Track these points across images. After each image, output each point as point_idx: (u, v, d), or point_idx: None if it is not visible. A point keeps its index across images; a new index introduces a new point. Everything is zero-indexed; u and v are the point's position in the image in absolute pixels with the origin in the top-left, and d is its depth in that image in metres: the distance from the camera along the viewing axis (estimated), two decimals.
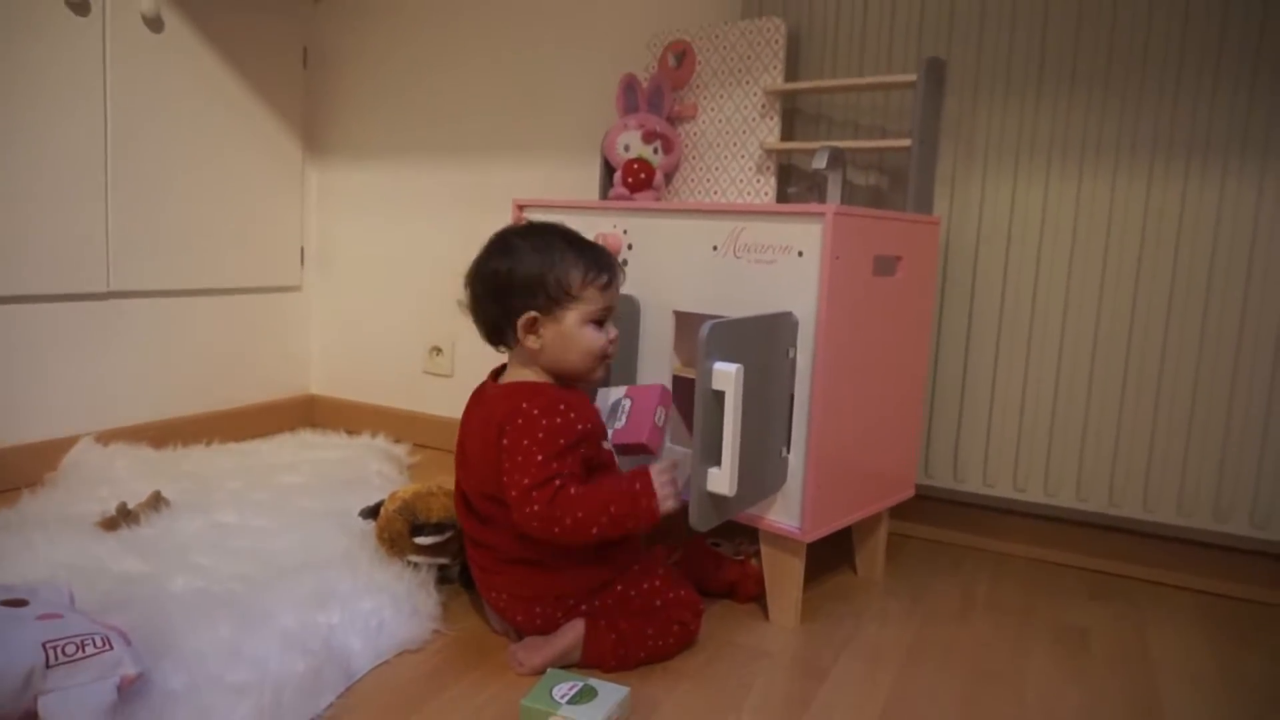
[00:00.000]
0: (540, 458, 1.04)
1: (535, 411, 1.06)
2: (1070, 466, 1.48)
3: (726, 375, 1.08)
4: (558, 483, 1.04)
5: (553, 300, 1.11)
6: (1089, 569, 1.52)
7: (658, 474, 1.07)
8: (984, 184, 1.52)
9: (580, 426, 1.08)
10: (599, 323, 1.14)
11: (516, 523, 1.05)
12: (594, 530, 1.04)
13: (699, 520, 1.12)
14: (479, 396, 1.18)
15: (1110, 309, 1.45)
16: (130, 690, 0.90)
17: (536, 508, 1.03)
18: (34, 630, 0.88)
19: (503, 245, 1.16)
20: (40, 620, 0.91)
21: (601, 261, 1.14)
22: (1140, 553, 1.49)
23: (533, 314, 1.12)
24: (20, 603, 0.95)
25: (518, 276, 1.12)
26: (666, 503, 1.07)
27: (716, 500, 1.12)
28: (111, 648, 0.90)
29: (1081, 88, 1.44)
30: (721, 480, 1.10)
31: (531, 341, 1.13)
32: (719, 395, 1.09)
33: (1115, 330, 1.45)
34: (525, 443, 1.05)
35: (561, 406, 1.07)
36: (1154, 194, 1.41)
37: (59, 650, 0.87)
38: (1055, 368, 1.49)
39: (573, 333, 1.12)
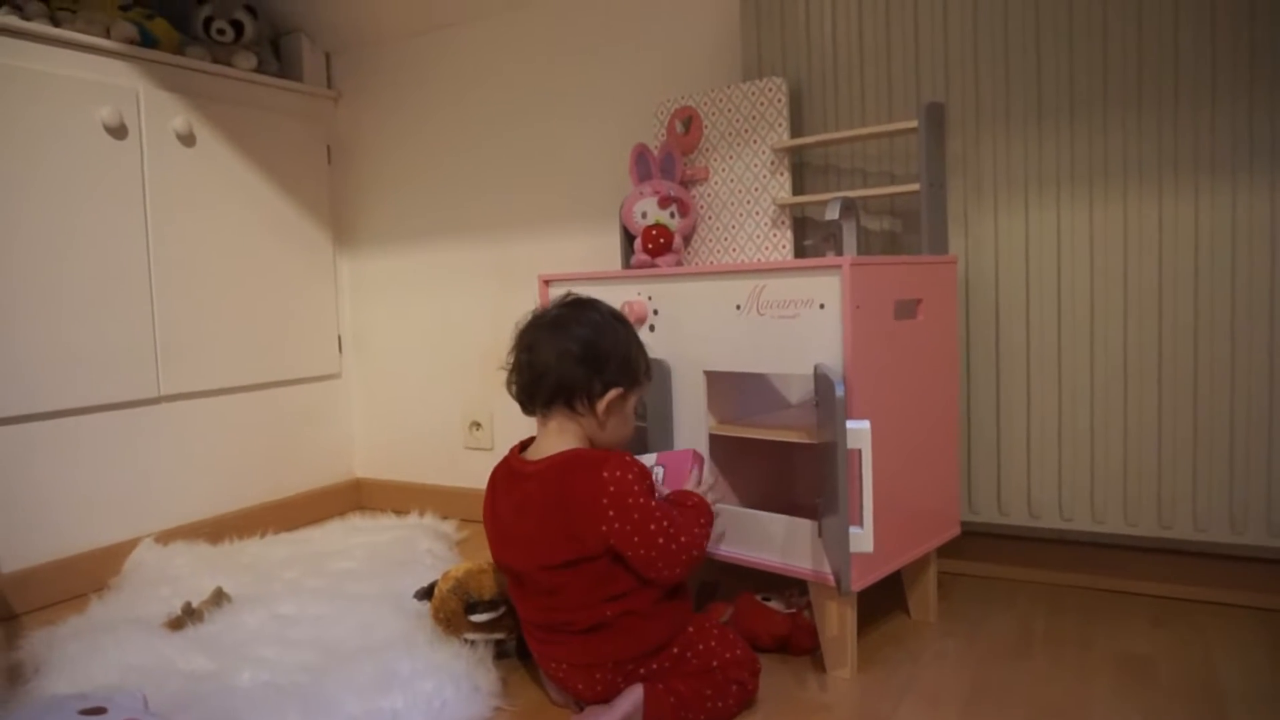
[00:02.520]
0: (651, 503, 1.10)
1: (619, 473, 1.10)
2: (1115, 491, 1.47)
3: (862, 433, 1.12)
4: (666, 525, 1.10)
5: (633, 381, 1.19)
6: (1147, 594, 1.50)
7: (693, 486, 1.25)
8: (996, 218, 1.54)
9: (640, 473, 1.13)
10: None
11: (668, 574, 1.10)
12: (702, 520, 1.17)
13: (854, 581, 1.17)
14: (513, 475, 1.18)
15: (1137, 328, 1.45)
16: None
17: (678, 544, 1.10)
18: None
19: (597, 318, 1.20)
20: None
21: (647, 355, 1.25)
22: (1198, 574, 1.47)
23: (620, 390, 1.17)
24: (99, 710, 0.98)
25: (619, 352, 1.19)
26: (709, 494, 1.24)
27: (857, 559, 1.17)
28: None
29: (1081, 113, 1.47)
30: (864, 539, 1.12)
31: (608, 416, 1.18)
32: (855, 453, 1.12)
33: (1145, 348, 1.45)
34: (630, 501, 1.08)
35: (628, 459, 1.13)
36: (1166, 210, 1.42)
37: None
38: (1089, 392, 1.49)
39: (630, 415, 1.22)
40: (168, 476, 1.94)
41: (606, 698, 1.12)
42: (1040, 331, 1.52)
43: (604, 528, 1.07)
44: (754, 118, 1.66)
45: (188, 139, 1.98)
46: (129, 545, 1.82)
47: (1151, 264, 1.43)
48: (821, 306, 1.22)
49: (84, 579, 1.73)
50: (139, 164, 1.88)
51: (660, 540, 1.08)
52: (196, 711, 1.08)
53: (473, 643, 1.27)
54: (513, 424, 2.13)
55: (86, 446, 1.79)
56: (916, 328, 1.34)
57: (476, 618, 1.26)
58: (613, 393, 1.16)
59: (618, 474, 1.09)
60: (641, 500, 1.08)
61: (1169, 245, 1.42)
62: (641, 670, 1.12)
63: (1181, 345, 1.42)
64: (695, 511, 1.18)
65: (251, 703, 1.13)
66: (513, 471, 1.18)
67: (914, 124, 1.47)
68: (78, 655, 1.31)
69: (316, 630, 1.40)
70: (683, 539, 1.10)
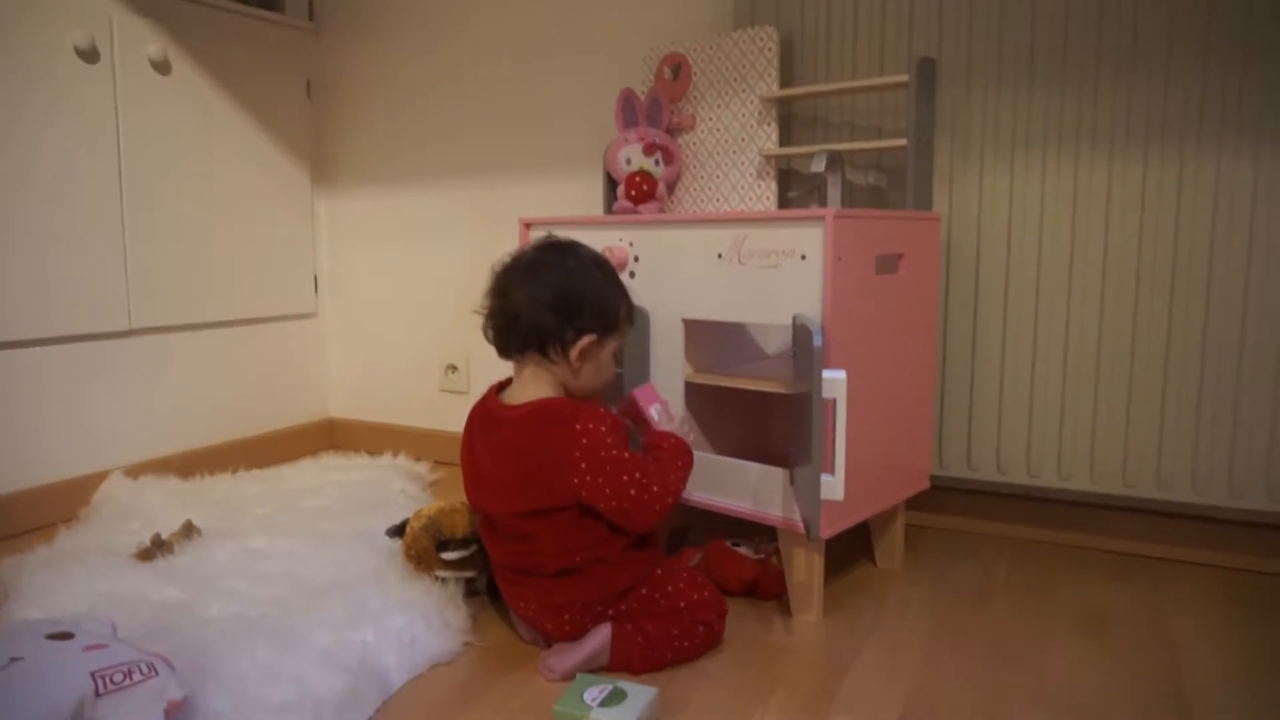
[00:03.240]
0: (624, 455, 1.09)
1: (591, 425, 1.09)
2: (1083, 449, 1.50)
3: (838, 383, 1.12)
4: (638, 475, 1.09)
5: (608, 329, 1.16)
6: (1107, 550, 1.53)
7: (659, 424, 1.24)
8: (981, 177, 1.54)
9: (614, 425, 1.12)
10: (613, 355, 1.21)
11: (641, 523, 1.11)
12: (680, 463, 1.17)
13: (823, 529, 1.17)
14: (491, 419, 1.17)
15: (1114, 291, 1.46)
16: (177, 714, 0.93)
17: (650, 494, 1.10)
18: (82, 661, 0.92)
19: (573, 263, 1.17)
20: (87, 651, 0.94)
21: (630, 303, 1.22)
22: (1158, 532, 1.50)
23: (594, 337, 1.14)
24: (67, 635, 0.98)
25: (592, 298, 1.15)
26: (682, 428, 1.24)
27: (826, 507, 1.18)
28: (157, 674, 0.93)
29: (1073, 76, 1.46)
30: (835, 487, 1.14)
31: (581, 363, 1.15)
32: (830, 403, 1.13)
33: (1120, 312, 1.46)
34: (602, 454, 1.08)
35: (601, 411, 1.12)
36: (1150, 176, 1.42)
37: (107, 679, 0.90)
38: (1062, 353, 1.51)
39: (607, 362, 1.19)
40: (138, 410, 1.92)
41: (573, 637, 1.13)
42: (1018, 291, 1.53)
43: (575, 480, 1.08)
44: (744, 66, 1.63)
45: (162, 66, 1.92)
46: (98, 478, 1.80)
47: (1132, 228, 1.44)
48: (803, 258, 1.22)
49: (52, 509, 1.72)
50: (111, 90, 1.83)
51: (632, 491, 1.08)
52: (166, 641, 1.08)
53: (444, 580, 1.27)
54: (489, 367, 2.11)
55: (56, 377, 1.76)
56: (897, 282, 1.34)
57: (448, 555, 1.27)
58: (585, 340, 1.13)
59: (590, 426, 1.08)
60: (614, 452, 1.08)
61: (1150, 209, 1.43)
62: (610, 611, 1.13)
63: (1156, 309, 1.44)
64: (672, 454, 1.17)
65: (221, 633, 1.13)
66: (490, 415, 1.17)
67: (905, 78, 1.45)
68: (47, 583, 1.31)
69: (287, 565, 1.40)
70: (655, 488, 1.10)
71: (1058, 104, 1.48)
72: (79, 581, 1.32)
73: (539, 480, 1.09)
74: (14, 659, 0.91)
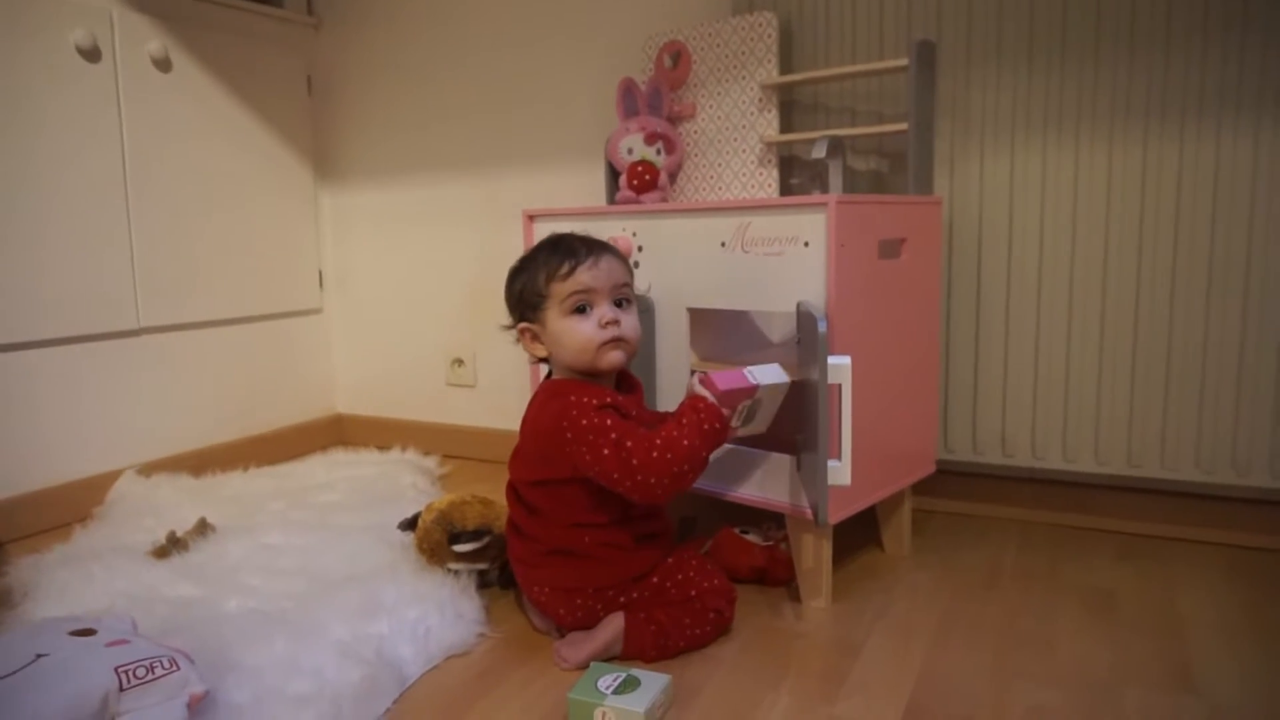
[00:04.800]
0: (606, 423, 1.09)
1: (582, 399, 1.11)
2: (1087, 431, 1.51)
3: (843, 368, 1.13)
4: (613, 436, 1.08)
5: (533, 307, 1.17)
6: (1114, 531, 1.54)
7: (696, 388, 1.15)
8: (982, 160, 1.54)
9: (604, 399, 1.12)
10: (580, 310, 1.14)
11: (630, 489, 1.07)
12: (685, 443, 1.08)
13: (831, 514, 1.17)
14: (533, 396, 1.22)
15: (1116, 272, 1.47)
16: (198, 707, 0.95)
17: (636, 460, 1.06)
18: (105, 656, 0.93)
19: (510, 271, 1.23)
20: (110, 647, 0.96)
21: (563, 250, 1.15)
22: (1164, 511, 1.51)
23: (523, 325, 1.19)
24: (89, 632, 1.00)
25: (511, 296, 1.21)
26: (709, 393, 1.13)
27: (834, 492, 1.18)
28: (178, 668, 0.95)
29: (1073, 56, 1.46)
30: (842, 472, 1.15)
31: (538, 350, 1.19)
32: (836, 389, 1.13)
33: (1123, 292, 1.47)
34: (584, 422, 1.09)
35: (596, 388, 1.13)
36: (1150, 155, 1.42)
37: (130, 674, 0.92)
38: (1065, 335, 1.51)
39: (557, 330, 1.15)
40: (149, 409, 1.93)
41: (587, 624, 1.15)
42: (1020, 274, 1.54)
43: (567, 450, 1.11)
44: (743, 53, 1.63)
45: (163, 64, 1.92)
46: (111, 476, 1.82)
47: (1133, 208, 1.45)
48: (806, 244, 1.22)
49: (67, 509, 1.74)
50: (114, 88, 1.83)
51: (605, 451, 1.07)
52: (185, 636, 1.09)
53: (456, 572, 1.29)
54: (496, 361, 2.14)
55: (67, 377, 1.78)
56: (900, 267, 1.35)
57: (460, 548, 1.28)
58: (520, 328, 1.20)
59: (579, 399, 1.11)
60: (595, 420, 1.09)
61: (1151, 189, 1.43)
62: (622, 599, 1.15)
63: (1159, 289, 1.44)
64: (686, 412, 1.12)
65: (239, 627, 1.15)
66: (535, 393, 1.23)
67: (904, 62, 1.45)
68: (66, 581, 1.33)
69: (301, 560, 1.42)
70: (638, 458, 1.06)
71: (1058, 85, 1.48)
72: (97, 579, 1.34)
73: (542, 451, 1.14)
74: (39, 655, 0.92)
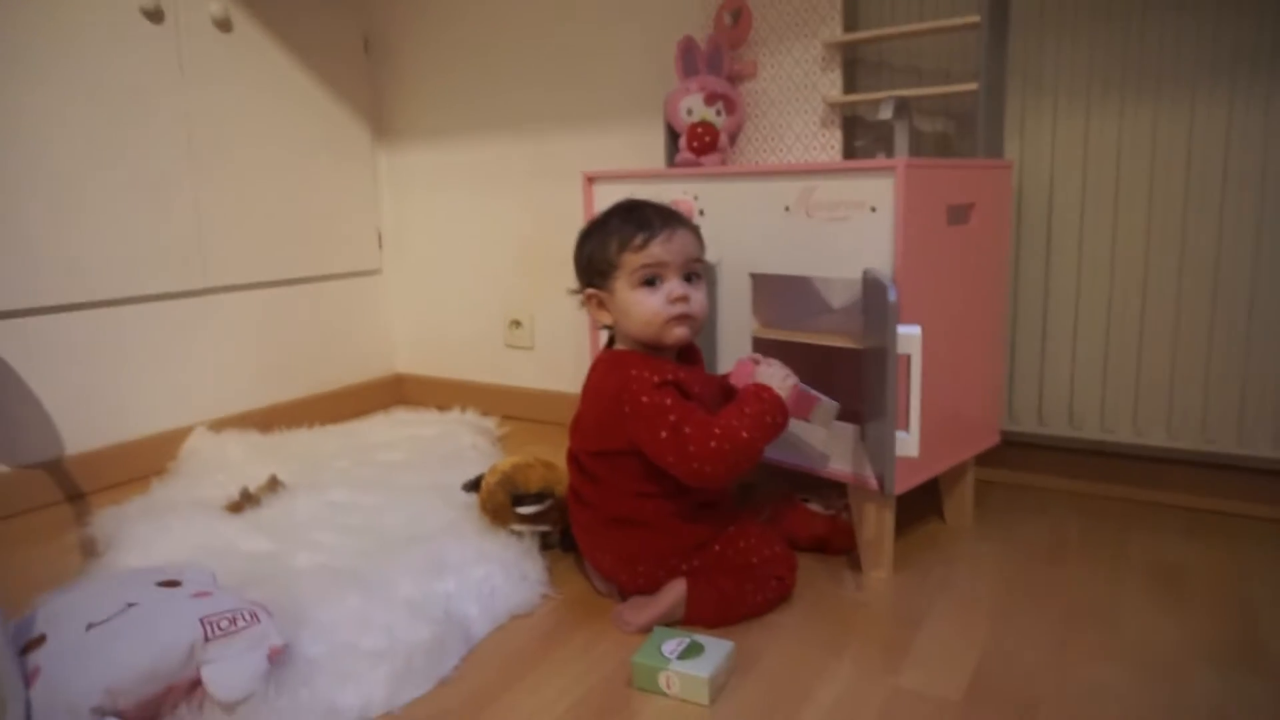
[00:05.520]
0: (665, 402, 1.09)
1: (644, 374, 1.11)
2: (1160, 404, 1.47)
3: (913, 338, 1.11)
4: (672, 419, 1.08)
5: (602, 274, 1.17)
6: (1183, 506, 1.51)
7: (764, 375, 1.16)
8: (1055, 122, 1.49)
9: (664, 376, 1.11)
10: (649, 283, 1.14)
11: (685, 473, 1.08)
12: (744, 435, 1.08)
13: (896, 485, 1.17)
14: (593, 364, 1.23)
15: (1194, 238, 1.42)
16: (278, 660, 0.99)
17: (693, 448, 1.06)
18: (192, 607, 0.97)
19: (580, 234, 1.22)
20: (195, 598, 1.00)
21: (638, 220, 1.14)
22: (1236, 488, 1.47)
23: (590, 291, 1.18)
24: (174, 583, 1.04)
25: (580, 260, 1.20)
26: (785, 383, 1.15)
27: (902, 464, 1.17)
28: (259, 621, 0.99)
29: (1154, 11, 1.39)
30: (910, 444, 1.14)
31: (603, 317, 1.19)
32: (905, 359, 1.12)
33: (1200, 262, 1.42)
34: (644, 400, 1.09)
35: (646, 371, 1.12)
36: (1237, 115, 1.36)
37: (215, 625, 0.96)
38: (1140, 303, 1.47)
39: (624, 300, 1.15)
40: (217, 367, 1.99)
41: (649, 589, 1.16)
42: (1093, 241, 1.49)
43: (625, 424, 1.11)
44: (806, 10, 1.59)
45: (224, 24, 1.94)
46: (183, 432, 1.88)
47: (1215, 173, 1.39)
48: (873, 210, 1.20)
49: (144, 462, 1.80)
50: (175, 49, 1.86)
51: (663, 434, 1.08)
52: (260, 589, 1.14)
53: (519, 534, 1.31)
54: (553, 323, 2.15)
55: (140, 335, 1.84)
56: (968, 233, 1.32)
57: (523, 510, 1.30)
58: (587, 294, 1.19)
59: (639, 374, 1.11)
60: (655, 399, 1.09)
61: (1235, 152, 1.37)
62: (684, 566, 1.16)
63: (1240, 256, 1.39)
64: (749, 400, 1.12)
65: (312, 582, 1.19)
66: (595, 361, 1.23)
67: (976, 19, 1.40)
68: (146, 533, 1.38)
69: (368, 518, 1.45)
70: (695, 445, 1.06)
71: (1137, 42, 1.41)
72: (175, 532, 1.39)
73: (601, 423, 1.15)
74: (130, 604, 0.97)
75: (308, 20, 2.13)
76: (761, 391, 1.13)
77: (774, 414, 1.11)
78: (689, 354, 1.23)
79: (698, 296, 1.16)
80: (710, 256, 1.38)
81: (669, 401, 1.09)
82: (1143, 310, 1.47)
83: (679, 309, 1.14)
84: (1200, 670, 1.02)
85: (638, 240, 1.13)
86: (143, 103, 1.81)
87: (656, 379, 1.11)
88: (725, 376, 1.27)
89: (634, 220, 1.15)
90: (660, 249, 1.13)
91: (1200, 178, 1.40)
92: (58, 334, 1.70)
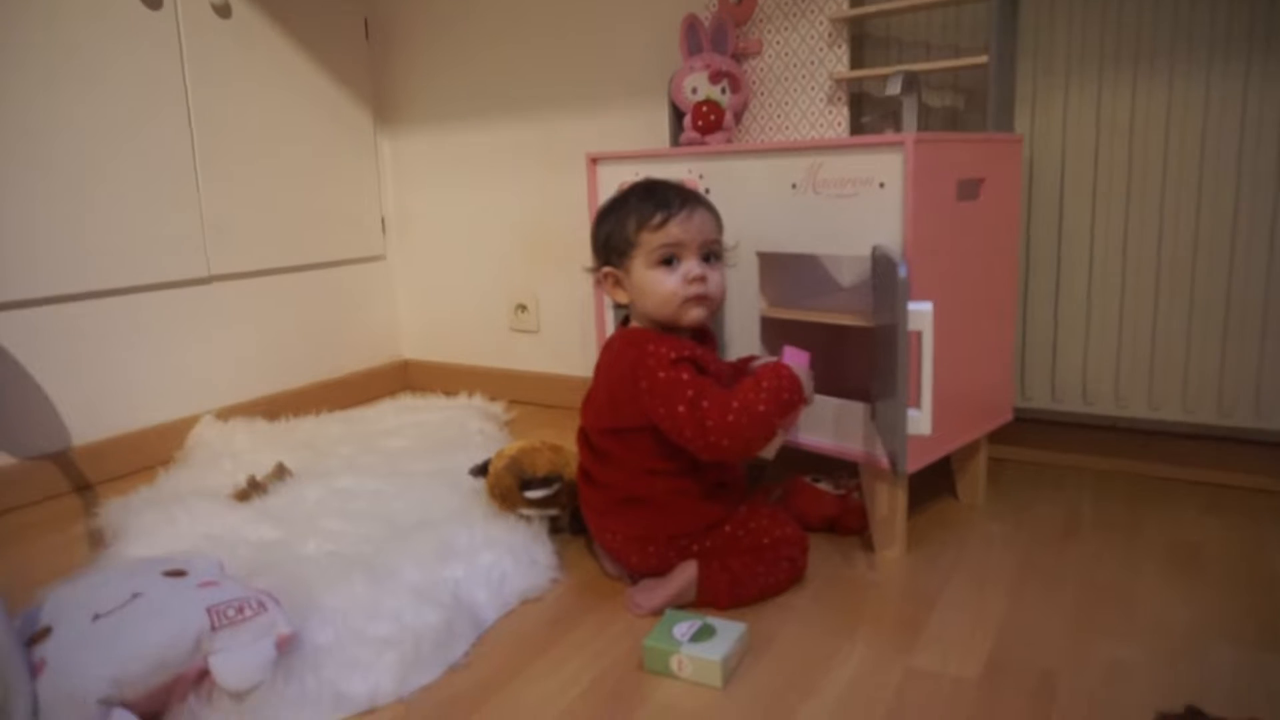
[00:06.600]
0: (682, 377, 1.08)
1: (660, 350, 1.10)
2: (1175, 378, 1.45)
3: (924, 315, 1.10)
4: (690, 393, 1.07)
5: (619, 253, 1.16)
6: (1200, 482, 1.49)
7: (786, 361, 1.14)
8: (1067, 96, 1.47)
9: (681, 352, 1.10)
10: (667, 262, 1.13)
11: (700, 447, 1.07)
12: (761, 408, 1.07)
13: (909, 464, 1.15)
14: (607, 342, 1.22)
15: (1209, 214, 1.39)
16: (286, 648, 0.98)
17: (710, 421, 1.05)
18: (198, 597, 0.97)
19: (598, 212, 1.21)
20: (201, 588, 0.99)
21: (657, 200, 1.13)
22: (1255, 463, 1.45)
23: (607, 269, 1.17)
24: (180, 573, 1.03)
25: (597, 239, 1.19)
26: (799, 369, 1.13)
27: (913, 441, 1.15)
28: (266, 609, 0.98)
29: None
30: (922, 422, 1.12)
31: (619, 295, 1.18)
32: (916, 336, 1.10)
33: (1216, 236, 1.39)
34: (661, 375, 1.08)
35: (663, 348, 1.10)
36: (1252, 91, 1.33)
37: (222, 614, 0.95)
38: (1154, 278, 1.45)
39: (642, 280, 1.14)
40: (222, 355, 1.98)
41: (659, 571, 1.15)
42: (1106, 216, 1.47)
43: (640, 400, 1.10)
44: None
45: (223, 9, 1.92)
46: (190, 421, 1.88)
47: (1231, 147, 1.36)
48: (881, 186, 1.18)
49: (150, 452, 1.80)
50: (175, 35, 1.84)
51: (681, 409, 1.07)
52: (268, 577, 1.13)
53: (528, 518, 1.30)
54: (559, 307, 2.14)
55: (144, 324, 1.83)
56: (978, 209, 1.30)
57: (531, 494, 1.29)
58: (603, 272, 1.18)
59: (660, 350, 1.10)
60: (672, 373, 1.08)
61: (1251, 128, 1.34)
62: (694, 546, 1.15)
63: (1256, 232, 1.36)
64: (768, 391, 1.09)
65: (320, 569, 1.18)
66: (609, 339, 1.23)
67: None
68: (152, 523, 1.38)
69: (375, 504, 1.45)
70: (712, 419, 1.05)
71: (1150, 16, 1.39)
72: (181, 521, 1.38)
73: (614, 399, 1.14)
74: (136, 595, 0.96)
75: (307, 5, 2.10)
76: (779, 369, 1.12)
77: (791, 391, 1.10)
78: (703, 339, 1.22)
79: (715, 277, 1.15)
80: (735, 247, 1.36)
81: (686, 376, 1.08)
82: (1156, 284, 1.44)
83: (696, 289, 1.13)
84: (1220, 649, 1.00)
85: (656, 219, 1.12)
86: (144, 91, 1.79)
87: (673, 355, 1.09)
88: (737, 362, 1.25)
89: (653, 199, 1.14)
90: (679, 229, 1.12)
91: (1215, 151, 1.37)
92: (61, 324, 1.69)
